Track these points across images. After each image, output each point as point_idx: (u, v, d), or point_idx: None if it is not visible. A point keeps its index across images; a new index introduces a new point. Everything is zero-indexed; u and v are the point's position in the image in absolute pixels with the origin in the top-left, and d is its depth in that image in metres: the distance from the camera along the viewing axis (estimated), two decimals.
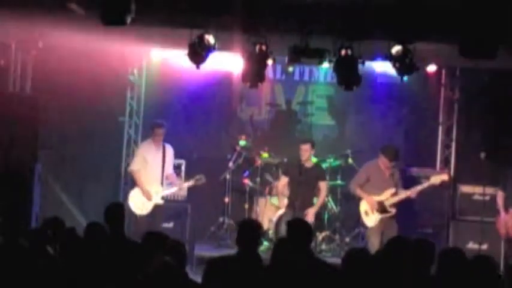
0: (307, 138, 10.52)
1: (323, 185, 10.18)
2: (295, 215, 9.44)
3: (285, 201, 10.28)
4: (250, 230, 5.79)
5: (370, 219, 9.73)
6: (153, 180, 10.22)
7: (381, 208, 9.68)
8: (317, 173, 10.17)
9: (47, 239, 6.03)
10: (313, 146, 10.14)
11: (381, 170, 9.78)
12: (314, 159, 10.54)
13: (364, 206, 9.79)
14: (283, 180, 10.28)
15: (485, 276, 5.16)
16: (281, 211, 10.33)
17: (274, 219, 10.53)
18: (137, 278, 5.11)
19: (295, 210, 9.82)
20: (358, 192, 9.86)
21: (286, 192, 10.31)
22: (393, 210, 9.69)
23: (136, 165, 10.23)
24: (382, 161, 9.75)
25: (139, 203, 10.10)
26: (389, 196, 9.70)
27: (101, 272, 5.47)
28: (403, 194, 9.71)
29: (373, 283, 5.18)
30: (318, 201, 10.12)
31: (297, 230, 5.81)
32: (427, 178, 10.74)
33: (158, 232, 6.25)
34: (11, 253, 5.32)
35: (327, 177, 10.54)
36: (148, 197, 10.11)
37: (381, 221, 9.67)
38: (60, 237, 6.07)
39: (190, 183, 10.48)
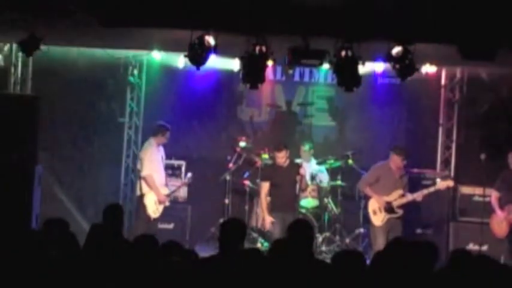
0: (280, 145, 9.93)
1: (302, 171, 9.88)
2: (295, 216, 9.40)
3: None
4: (232, 229, 5.75)
5: (378, 218, 9.85)
6: (161, 183, 10.38)
7: (389, 208, 9.80)
8: (295, 169, 9.88)
9: (49, 241, 6.01)
10: (287, 149, 9.88)
11: (391, 171, 9.89)
12: (299, 160, 10.57)
13: (373, 205, 9.91)
14: (265, 187, 9.93)
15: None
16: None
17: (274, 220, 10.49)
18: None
19: (293, 212, 9.73)
20: (368, 191, 9.99)
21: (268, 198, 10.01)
22: (400, 212, 9.85)
23: (149, 170, 10.23)
24: (394, 161, 9.84)
25: (154, 207, 10.16)
26: (397, 197, 9.82)
27: (101, 273, 5.47)
28: (410, 197, 9.85)
29: (370, 285, 5.19)
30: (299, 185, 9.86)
31: (298, 232, 5.78)
32: (428, 179, 10.80)
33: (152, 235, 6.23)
34: (12, 255, 5.31)
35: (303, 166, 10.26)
36: (163, 200, 10.23)
37: (388, 221, 9.82)
38: (64, 239, 6.06)
39: (185, 183, 10.91)
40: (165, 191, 10.41)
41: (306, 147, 11.29)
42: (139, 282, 5.24)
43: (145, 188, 10.23)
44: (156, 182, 10.26)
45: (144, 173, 10.24)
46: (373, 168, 10.09)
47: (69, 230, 6.20)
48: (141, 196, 10.27)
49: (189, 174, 10.94)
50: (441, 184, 10.11)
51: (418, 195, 9.88)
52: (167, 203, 10.40)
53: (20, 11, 8.14)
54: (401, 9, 7.86)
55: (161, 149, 10.47)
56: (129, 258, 5.55)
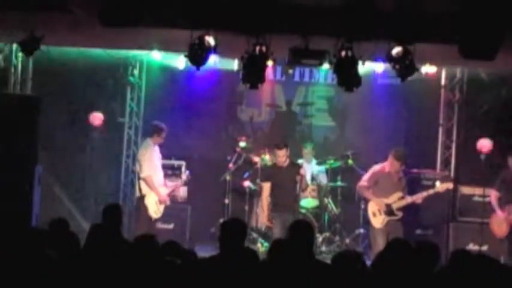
0: (280, 143, 9.90)
1: (302, 171, 9.93)
2: (295, 216, 9.39)
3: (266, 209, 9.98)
4: (232, 229, 5.75)
5: (378, 220, 9.81)
6: (160, 183, 10.35)
7: (388, 210, 9.78)
8: (295, 169, 9.88)
9: (49, 241, 6.01)
10: (288, 147, 9.87)
11: (390, 173, 9.86)
12: (300, 160, 10.55)
13: (372, 207, 9.88)
14: (267, 188, 9.92)
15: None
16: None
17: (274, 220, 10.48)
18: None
19: (293, 212, 9.73)
20: (366, 194, 9.96)
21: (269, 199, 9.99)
22: (400, 214, 9.82)
23: (148, 170, 10.16)
24: (393, 164, 9.80)
25: (155, 207, 10.16)
26: (396, 199, 9.80)
27: (101, 273, 5.47)
28: (409, 199, 9.84)
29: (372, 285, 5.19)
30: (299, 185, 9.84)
31: (299, 233, 5.78)
32: (428, 180, 10.80)
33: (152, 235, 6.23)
34: (12, 254, 5.31)
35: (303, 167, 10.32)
36: (164, 201, 10.22)
37: (388, 223, 9.78)
38: (64, 239, 6.06)
39: (183, 182, 10.88)
40: (164, 191, 10.39)
41: (308, 148, 11.29)
42: (139, 282, 5.24)
43: (145, 189, 10.19)
44: (155, 182, 10.24)
45: (143, 174, 10.19)
46: (372, 171, 10.04)
47: (69, 230, 6.21)
48: (142, 197, 10.21)
49: (187, 172, 10.94)
50: (440, 187, 10.13)
51: (417, 198, 9.85)
52: (168, 203, 10.40)
53: (20, 11, 8.14)
54: (401, 9, 7.86)
55: (157, 148, 10.42)
56: (129, 258, 5.55)
